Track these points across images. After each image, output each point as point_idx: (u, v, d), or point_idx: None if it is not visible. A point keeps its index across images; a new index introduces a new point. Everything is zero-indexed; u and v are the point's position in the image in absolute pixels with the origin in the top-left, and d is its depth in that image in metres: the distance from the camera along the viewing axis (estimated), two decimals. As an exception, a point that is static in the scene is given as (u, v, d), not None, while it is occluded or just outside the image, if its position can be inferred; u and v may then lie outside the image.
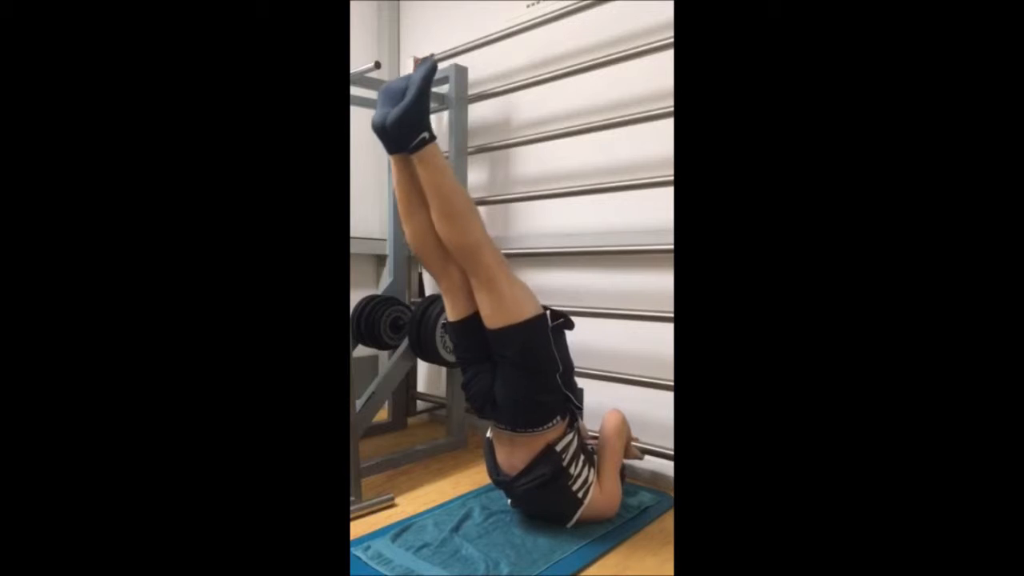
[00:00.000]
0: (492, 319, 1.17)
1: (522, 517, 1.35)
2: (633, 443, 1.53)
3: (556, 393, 1.20)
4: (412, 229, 1.24)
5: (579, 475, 1.26)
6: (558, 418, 1.22)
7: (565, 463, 1.23)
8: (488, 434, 1.37)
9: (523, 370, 1.18)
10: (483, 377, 1.25)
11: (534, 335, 1.17)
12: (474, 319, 1.22)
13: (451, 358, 1.69)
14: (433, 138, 1.16)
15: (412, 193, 1.21)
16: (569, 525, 1.28)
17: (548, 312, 1.21)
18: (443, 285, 1.27)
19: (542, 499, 1.27)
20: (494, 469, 1.32)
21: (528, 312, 1.17)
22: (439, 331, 1.65)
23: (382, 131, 1.16)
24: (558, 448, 1.23)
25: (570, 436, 1.25)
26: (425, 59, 1.19)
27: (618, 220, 1.72)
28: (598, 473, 1.34)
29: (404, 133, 1.14)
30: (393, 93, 1.16)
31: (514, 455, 1.25)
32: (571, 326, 1.27)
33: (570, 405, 1.25)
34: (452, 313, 1.27)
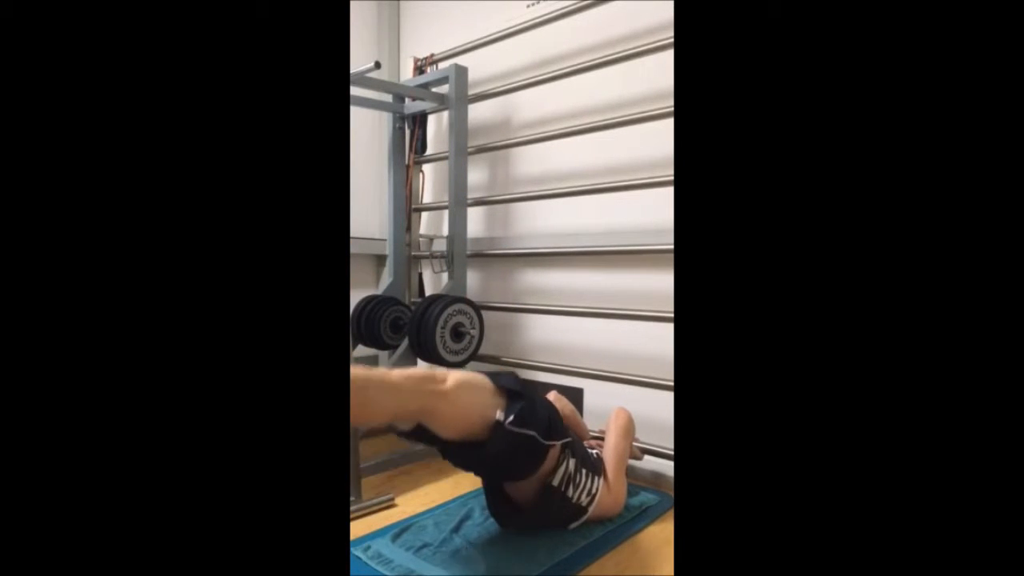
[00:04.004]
0: (445, 432, 1.09)
1: (522, 517, 1.35)
2: (633, 443, 1.53)
3: (541, 448, 1.14)
4: None
5: (581, 491, 1.26)
6: (549, 452, 1.19)
7: (563, 490, 1.23)
8: None
9: (500, 462, 1.12)
10: (462, 461, 1.20)
11: (497, 443, 1.08)
12: (423, 427, 1.11)
13: (451, 358, 1.69)
14: None
15: None
16: (571, 528, 1.28)
17: (501, 408, 1.10)
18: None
19: (549, 522, 1.28)
20: (496, 508, 1.30)
21: (479, 422, 1.08)
22: (439, 331, 1.65)
23: None
24: (555, 483, 1.21)
25: (564, 464, 1.23)
26: None
27: (618, 220, 1.72)
28: (605, 474, 1.34)
29: None
30: None
31: (519, 487, 1.25)
32: (524, 398, 1.14)
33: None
34: (401, 425, 1.14)
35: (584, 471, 1.27)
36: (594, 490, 1.28)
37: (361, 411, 0.98)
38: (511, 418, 1.09)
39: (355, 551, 1.19)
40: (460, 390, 1.07)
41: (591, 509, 1.27)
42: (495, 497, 1.29)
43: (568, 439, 1.24)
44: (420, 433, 1.11)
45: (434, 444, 1.15)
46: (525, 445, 1.11)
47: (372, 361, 2.27)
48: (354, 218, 2.09)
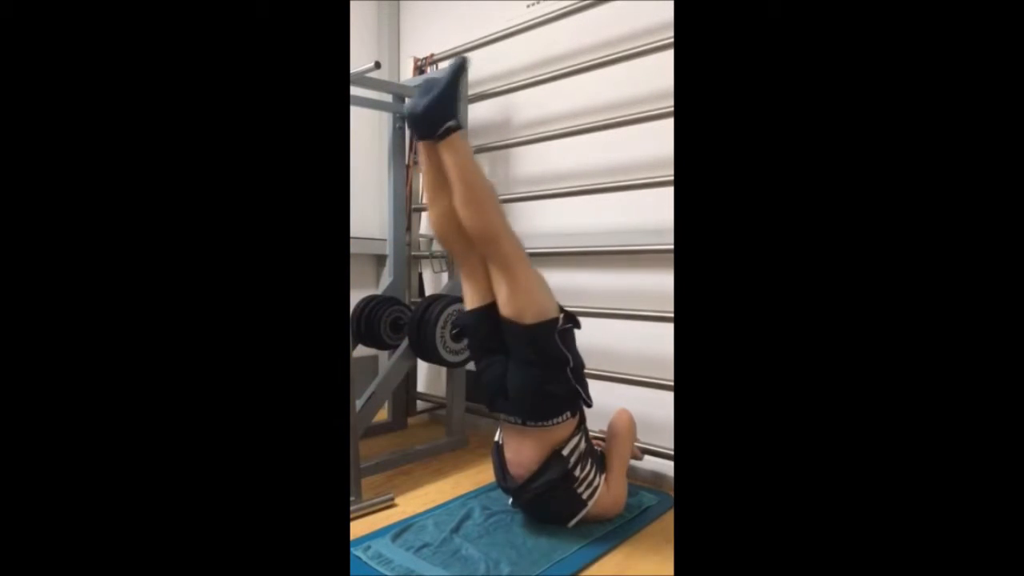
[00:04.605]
0: (506, 306, 1.23)
1: (523, 517, 1.35)
2: (634, 443, 1.53)
3: (566, 385, 1.24)
4: (436, 213, 1.31)
5: (585, 478, 1.26)
6: (567, 413, 1.24)
7: (571, 466, 1.24)
8: (496, 437, 1.37)
9: (534, 362, 1.22)
10: (495, 367, 1.28)
11: (542, 335, 1.22)
12: (489, 309, 1.27)
13: (451, 358, 1.69)
14: (459, 127, 1.23)
15: (437, 179, 1.28)
16: (570, 525, 1.28)
17: (561, 315, 1.25)
18: (464, 270, 1.32)
19: (548, 503, 1.28)
20: (502, 475, 1.33)
21: (538, 308, 1.22)
22: (439, 331, 1.65)
23: (412, 119, 1.25)
24: (564, 452, 1.24)
25: (577, 438, 1.26)
26: (458, 57, 1.28)
27: (618, 220, 1.72)
28: (606, 473, 1.34)
29: (432, 121, 1.22)
30: (428, 85, 1.24)
31: (523, 450, 1.26)
32: (578, 326, 1.32)
33: (579, 400, 1.27)
34: (470, 300, 1.32)
35: (590, 461, 1.29)
36: (596, 484, 1.29)
37: (496, 204, 1.24)
38: (566, 326, 1.25)
39: (355, 551, 1.19)
40: (536, 280, 1.25)
41: (590, 504, 1.27)
42: (500, 464, 1.32)
43: (588, 401, 1.29)
44: (481, 318, 1.29)
45: (484, 333, 1.30)
46: (557, 368, 1.23)
47: (372, 361, 2.27)
48: (354, 218, 2.08)
